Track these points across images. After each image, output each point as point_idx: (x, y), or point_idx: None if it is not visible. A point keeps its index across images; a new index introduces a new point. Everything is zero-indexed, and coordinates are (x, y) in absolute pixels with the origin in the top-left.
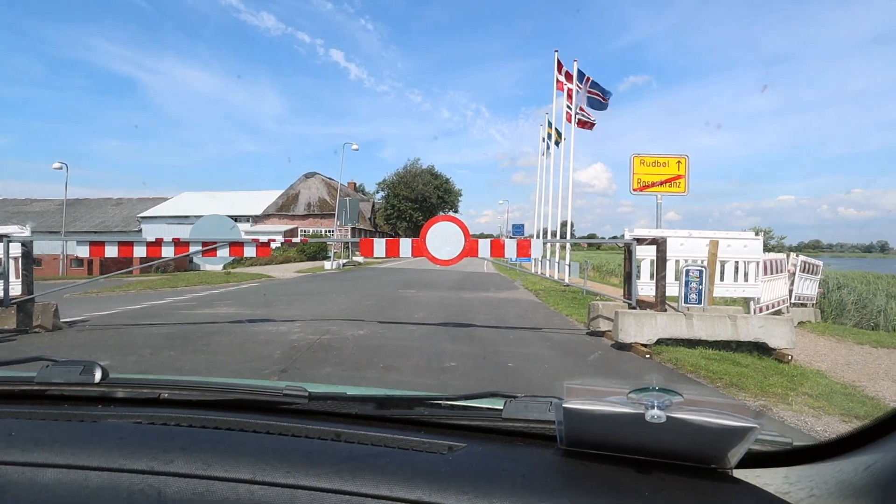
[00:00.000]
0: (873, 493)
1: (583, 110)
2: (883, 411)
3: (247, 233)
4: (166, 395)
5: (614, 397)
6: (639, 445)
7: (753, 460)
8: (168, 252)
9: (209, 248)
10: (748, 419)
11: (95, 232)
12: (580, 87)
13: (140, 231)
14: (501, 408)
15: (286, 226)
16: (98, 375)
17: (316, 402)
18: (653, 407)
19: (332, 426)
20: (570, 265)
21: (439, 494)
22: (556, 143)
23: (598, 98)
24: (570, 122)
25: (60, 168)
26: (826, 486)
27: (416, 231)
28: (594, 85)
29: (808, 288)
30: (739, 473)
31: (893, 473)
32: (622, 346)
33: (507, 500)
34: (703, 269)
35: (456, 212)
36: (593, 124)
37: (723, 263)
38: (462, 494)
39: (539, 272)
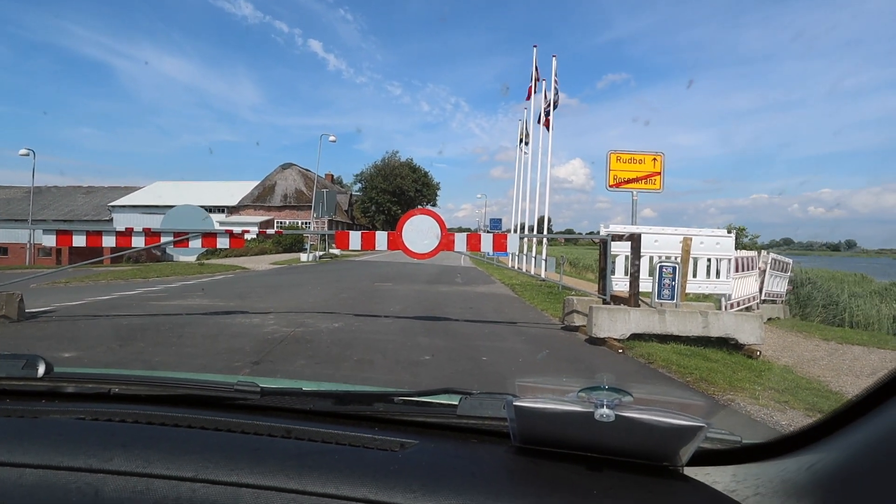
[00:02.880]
0: (815, 492)
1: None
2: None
3: (221, 224)
4: (116, 390)
5: (566, 395)
6: (590, 443)
7: (704, 458)
8: (139, 242)
9: (181, 239)
10: (696, 419)
11: (64, 220)
12: (556, 83)
13: (111, 220)
14: (457, 404)
15: (262, 217)
16: (41, 370)
17: (268, 398)
18: (602, 406)
19: (284, 423)
20: (546, 260)
21: (386, 492)
22: (525, 143)
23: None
24: (542, 124)
25: (27, 154)
26: (771, 484)
27: (393, 224)
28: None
29: (778, 285)
30: (690, 471)
31: (834, 474)
32: (596, 341)
33: (455, 498)
34: (677, 265)
35: (434, 205)
36: (549, 125)
37: (696, 260)
38: (409, 492)
39: (516, 267)
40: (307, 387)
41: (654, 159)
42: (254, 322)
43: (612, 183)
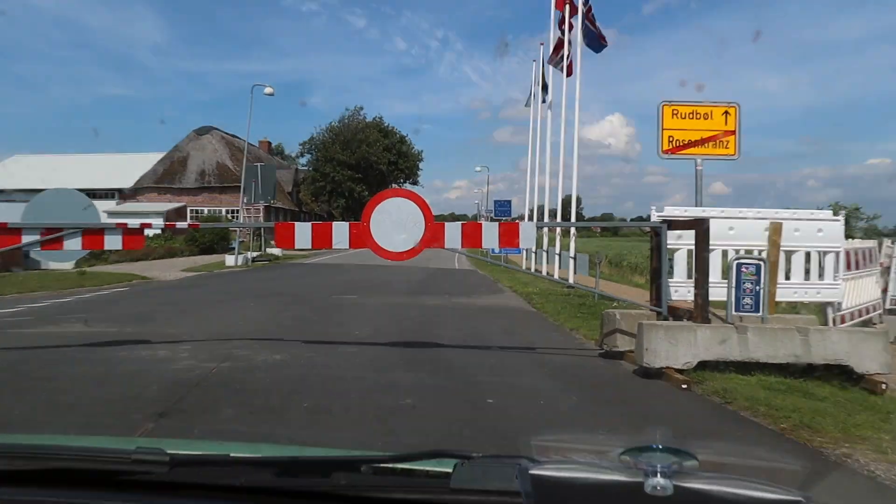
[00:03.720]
0: None
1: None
2: None
3: (110, 215)
4: None
5: (602, 458)
6: None
7: None
8: None
9: (52, 238)
10: (791, 491)
11: None
12: (586, 6)
13: None
14: (451, 472)
15: (169, 204)
16: None
17: (181, 471)
18: (655, 474)
19: None
20: (575, 258)
21: None
22: (543, 93)
23: (596, 35)
24: (565, 67)
25: None
26: None
27: (357, 212)
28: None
29: None
30: None
31: None
32: (649, 373)
33: None
34: (762, 263)
35: (415, 184)
36: (570, 68)
37: (788, 255)
38: None
39: (533, 269)
40: (237, 452)
41: (727, 113)
42: (160, 356)
43: (666, 147)
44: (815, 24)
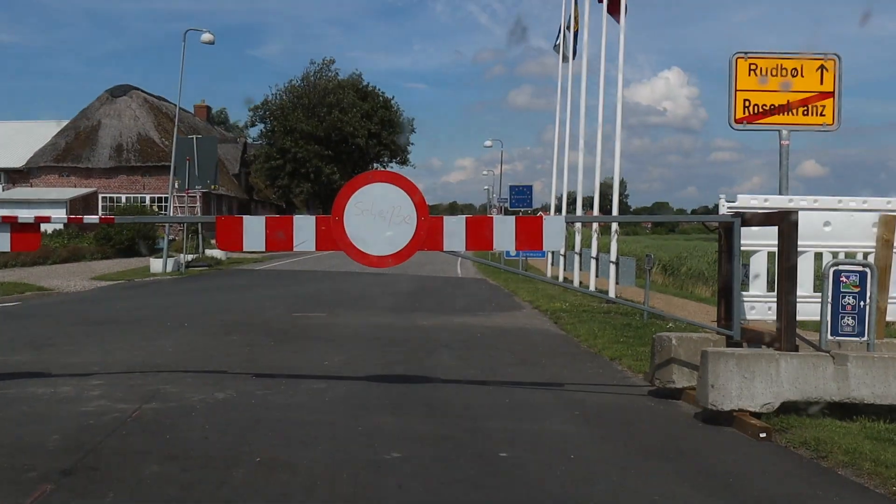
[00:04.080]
0: None
1: None
2: None
3: None
4: None
5: None
6: None
7: None
8: None
9: None
10: None
11: None
12: None
13: None
14: None
15: (74, 189)
16: None
17: None
18: None
19: None
20: (617, 263)
21: None
22: (574, 42)
23: None
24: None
25: None
26: None
27: (326, 201)
28: None
29: None
30: None
31: None
32: (716, 418)
33: None
34: (867, 270)
35: (404, 164)
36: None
37: None
38: None
39: (561, 277)
40: None
41: (823, 68)
42: (62, 394)
43: (741, 115)
44: None
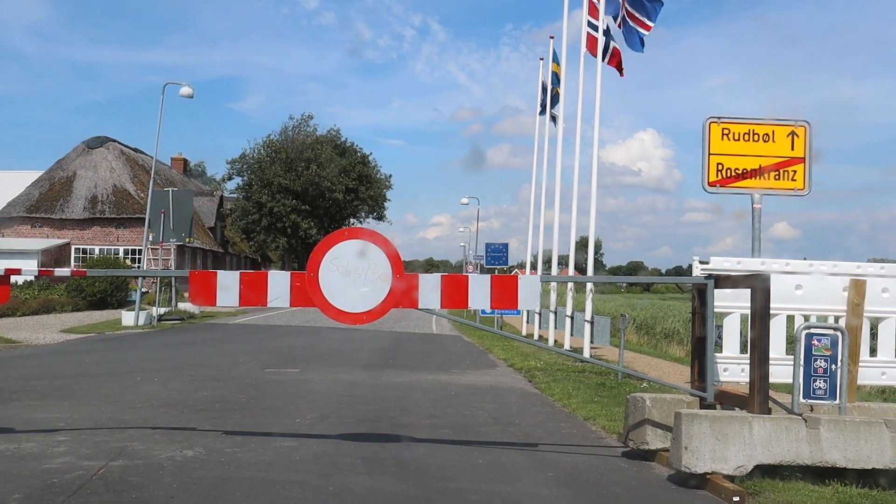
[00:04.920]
0: None
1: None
2: None
3: None
4: None
5: None
6: None
7: None
8: None
9: None
10: None
11: None
12: None
13: None
14: None
15: (46, 241)
16: None
17: None
18: None
19: None
20: (592, 322)
21: None
22: (552, 102)
23: (638, 22)
24: (592, 53)
25: None
26: None
27: (302, 254)
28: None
29: None
30: None
31: None
32: (689, 480)
33: None
34: (839, 333)
35: (380, 219)
36: (621, 64)
37: (875, 323)
38: None
39: (535, 335)
40: None
41: (794, 134)
42: (25, 450)
43: (714, 178)
44: None
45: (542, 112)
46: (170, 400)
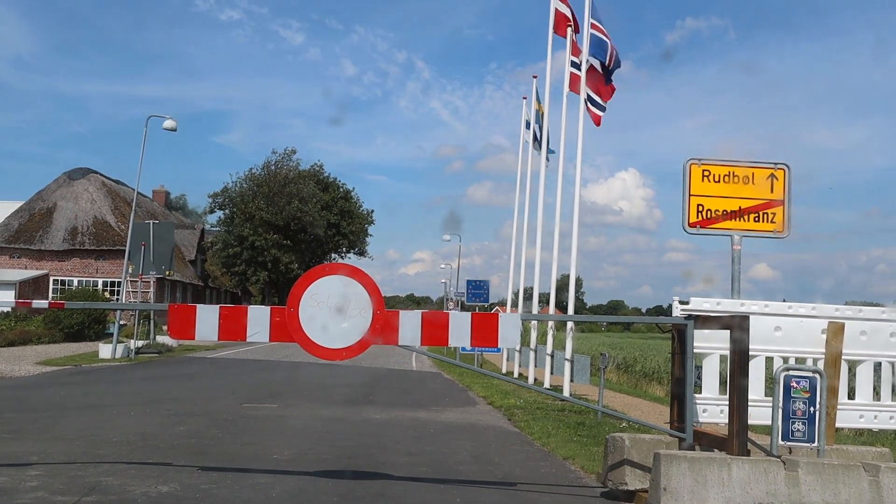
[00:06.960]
0: None
1: (596, 73)
2: None
3: None
4: None
5: None
6: None
7: None
8: None
9: None
10: None
11: None
12: (598, 31)
13: None
14: None
15: (24, 271)
16: None
17: None
18: None
19: None
20: (572, 361)
21: None
22: (536, 140)
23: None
24: (575, 92)
25: None
26: None
27: (282, 288)
28: (599, 46)
29: None
30: None
31: None
32: None
33: None
34: (818, 376)
35: (362, 255)
36: (599, 115)
37: (853, 366)
38: None
39: (515, 373)
40: None
41: (773, 177)
42: None
43: (694, 219)
44: (889, 67)
45: (526, 150)
46: (146, 434)
